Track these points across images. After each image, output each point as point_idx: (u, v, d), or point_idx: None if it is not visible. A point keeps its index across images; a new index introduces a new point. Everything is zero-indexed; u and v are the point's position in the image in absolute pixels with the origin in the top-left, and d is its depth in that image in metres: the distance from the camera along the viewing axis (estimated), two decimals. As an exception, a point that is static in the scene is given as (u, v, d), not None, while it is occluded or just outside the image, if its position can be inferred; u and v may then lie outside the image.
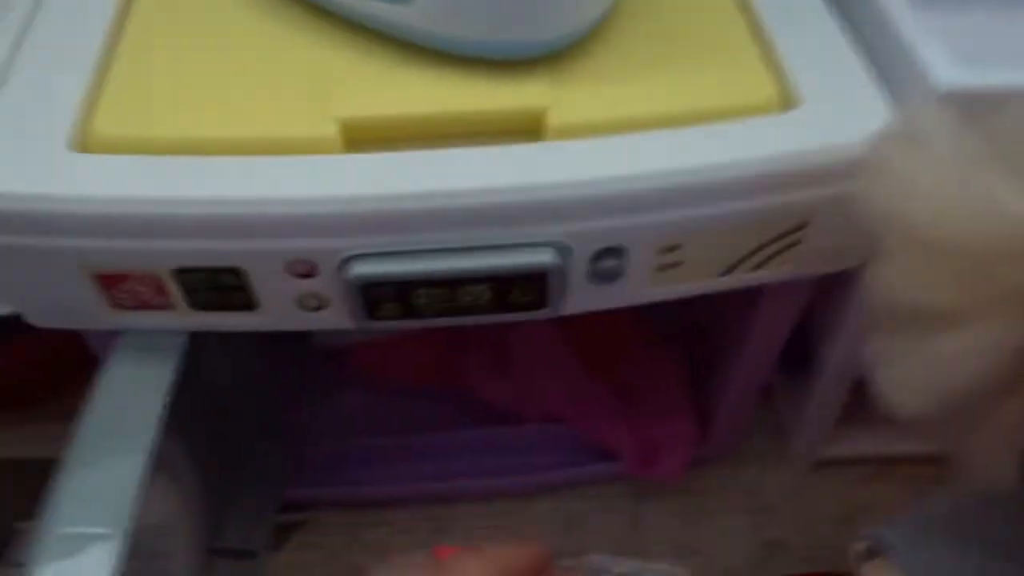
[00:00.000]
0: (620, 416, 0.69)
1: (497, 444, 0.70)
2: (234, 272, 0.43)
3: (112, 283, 0.44)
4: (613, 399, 0.70)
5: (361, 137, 0.44)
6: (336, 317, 0.46)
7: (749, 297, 0.55)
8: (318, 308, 0.46)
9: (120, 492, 0.40)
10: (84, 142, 0.43)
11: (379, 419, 0.72)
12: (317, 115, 0.44)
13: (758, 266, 0.48)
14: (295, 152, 0.43)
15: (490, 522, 0.71)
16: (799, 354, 0.64)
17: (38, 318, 0.47)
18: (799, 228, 0.46)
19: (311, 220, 0.41)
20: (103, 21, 0.49)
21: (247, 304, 0.45)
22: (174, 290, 0.44)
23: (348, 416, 0.72)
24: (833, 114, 0.45)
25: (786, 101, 0.46)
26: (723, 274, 0.48)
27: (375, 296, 0.44)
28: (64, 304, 0.46)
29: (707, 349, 0.68)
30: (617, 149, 0.43)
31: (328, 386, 0.73)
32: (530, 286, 0.44)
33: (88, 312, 0.46)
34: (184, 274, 0.43)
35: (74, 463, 0.42)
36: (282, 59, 0.47)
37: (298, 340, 0.72)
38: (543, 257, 0.43)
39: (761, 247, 0.47)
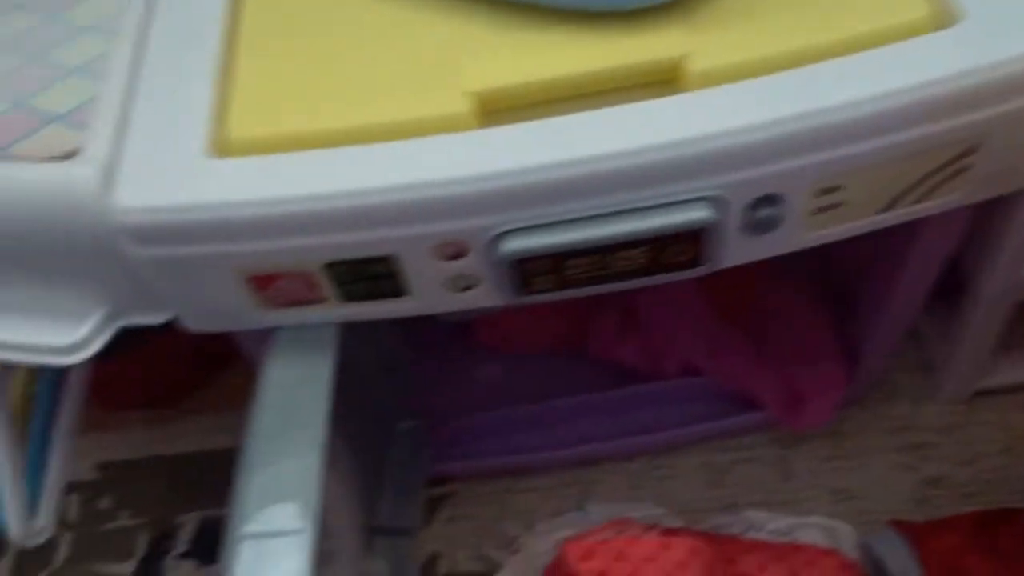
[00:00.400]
0: (762, 363, 0.67)
1: (636, 402, 0.69)
2: (384, 260, 0.43)
3: (264, 284, 0.44)
4: (753, 346, 0.68)
5: (496, 109, 0.42)
6: (487, 295, 0.45)
7: (904, 229, 0.52)
8: (468, 288, 0.45)
9: (304, 488, 0.41)
10: (221, 147, 0.43)
11: (514, 389, 0.72)
12: (448, 92, 0.42)
13: (921, 198, 0.45)
14: (430, 132, 0.42)
15: (634, 481, 0.70)
16: (948, 282, 0.61)
17: (194, 323, 0.48)
18: (968, 153, 0.43)
19: (458, 200, 0.40)
20: (216, 23, 0.48)
21: (397, 291, 0.45)
22: (325, 284, 0.44)
23: (483, 389, 0.72)
24: (999, 26, 0.41)
25: (943, 18, 0.42)
26: (883, 211, 0.45)
27: (527, 270, 0.43)
28: (219, 308, 0.46)
29: (852, 286, 0.65)
30: (765, 91, 0.41)
31: (460, 361, 0.73)
32: (686, 245, 0.43)
33: (242, 314, 0.46)
34: (335, 267, 0.43)
35: (253, 463, 0.43)
36: (403, 39, 0.46)
37: (427, 318, 0.72)
38: (698, 213, 0.41)
39: (926, 178, 0.44)
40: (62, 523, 0.76)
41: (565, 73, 0.43)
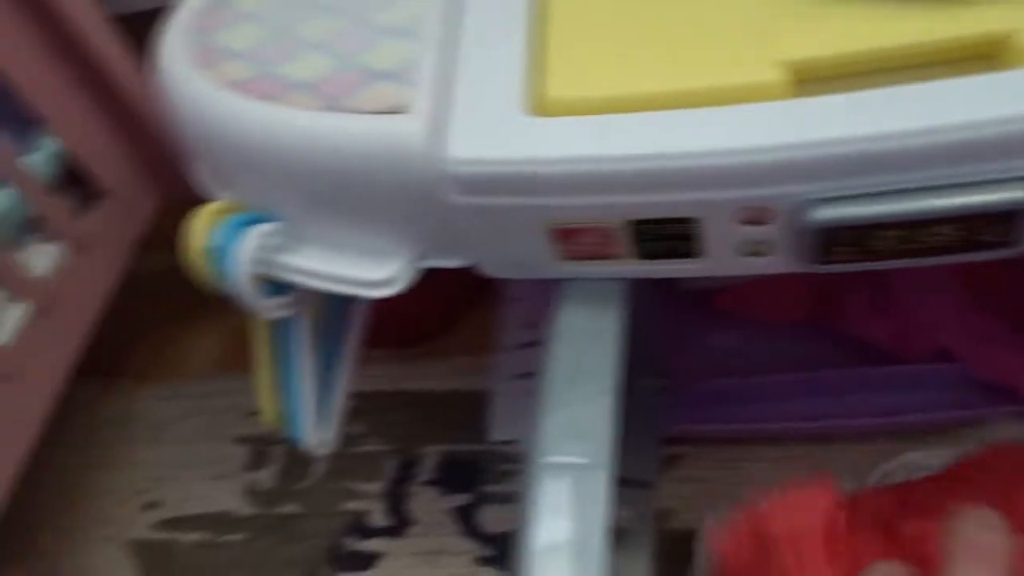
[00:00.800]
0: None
1: (880, 383, 0.68)
2: (687, 222, 0.45)
3: (567, 236, 0.47)
4: (1014, 332, 0.65)
5: (810, 79, 0.43)
6: (779, 262, 0.47)
7: None
8: (760, 254, 0.46)
9: (599, 428, 0.44)
10: (539, 106, 0.46)
11: (752, 358, 0.72)
12: (762, 60, 0.44)
13: None
14: (743, 100, 0.43)
15: (869, 459, 0.69)
16: None
17: (492, 269, 0.52)
18: None
19: (771, 168, 0.42)
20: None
21: (691, 252, 0.47)
22: (624, 241, 0.47)
23: (721, 355, 0.73)
24: None
25: None
26: None
27: (830, 240, 0.43)
28: (519, 256, 0.50)
29: None
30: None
31: (698, 326, 0.74)
32: (1000, 224, 0.42)
33: (539, 263, 0.50)
34: (638, 225, 0.46)
35: (550, 403, 0.46)
36: (716, 6, 0.47)
37: (668, 283, 0.74)
38: (1015, 193, 0.41)
39: None
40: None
41: (882, 45, 0.43)
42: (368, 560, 0.76)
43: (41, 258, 0.72)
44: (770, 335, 0.73)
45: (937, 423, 0.69)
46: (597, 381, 0.46)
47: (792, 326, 0.73)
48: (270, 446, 0.86)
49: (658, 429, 0.71)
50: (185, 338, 1.00)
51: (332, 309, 0.65)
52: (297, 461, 0.84)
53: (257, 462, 0.86)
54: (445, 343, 0.87)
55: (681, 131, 0.43)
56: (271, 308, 0.57)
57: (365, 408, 0.85)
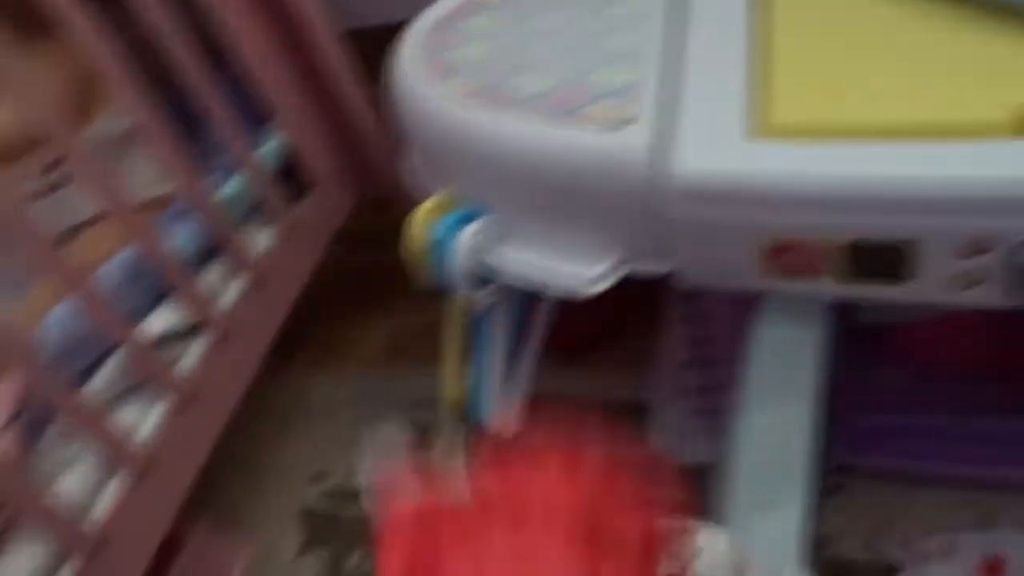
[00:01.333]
0: None
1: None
2: (906, 246, 0.47)
3: (779, 252, 0.50)
4: None
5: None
6: (986, 295, 0.48)
7: None
8: (970, 286, 0.48)
9: (797, 455, 0.46)
10: (763, 129, 0.49)
11: (923, 398, 0.73)
12: (991, 100, 0.45)
13: None
14: (970, 135, 0.45)
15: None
16: None
17: (692, 276, 0.56)
18: None
19: (996, 200, 0.44)
20: (747, 16, 0.55)
21: (901, 276, 0.49)
22: (834, 260, 0.49)
23: (892, 392, 0.74)
24: None
25: None
26: None
27: (1047, 275, 0.45)
28: (724, 267, 0.53)
29: None
30: None
31: (872, 361, 0.75)
32: None
33: (743, 275, 0.53)
34: (855, 246, 0.48)
35: (748, 415, 0.49)
36: (942, 42, 0.49)
37: (845, 316, 0.75)
38: None
39: None
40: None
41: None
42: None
43: (258, 239, 0.80)
44: (944, 377, 0.73)
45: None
46: (796, 399, 0.49)
47: (968, 371, 0.73)
48: (434, 433, 0.91)
49: (824, 456, 0.72)
50: (357, 328, 1.07)
51: (521, 304, 0.70)
52: (462, 447, 0.89)
53: (424, 444, 0.91)
54: (611, 351, 0.90)
55: (907, 158, 0.45)
56: (480, 299, 0.62)
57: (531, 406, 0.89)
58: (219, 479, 0.94)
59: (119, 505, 0.65)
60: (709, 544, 0.48)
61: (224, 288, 0.76)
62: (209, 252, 0.75)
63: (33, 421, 0.63)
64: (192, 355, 0.72)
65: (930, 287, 0.49)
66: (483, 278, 0.62)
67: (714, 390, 0.83)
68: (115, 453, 0.64)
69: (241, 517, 0.91)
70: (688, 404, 0.83)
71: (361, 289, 1.11)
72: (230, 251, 0.75)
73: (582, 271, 0.57)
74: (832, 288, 0.51)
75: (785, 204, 0.47)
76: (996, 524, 0.68)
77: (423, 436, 0.91)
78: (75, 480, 0.64)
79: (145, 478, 0.67)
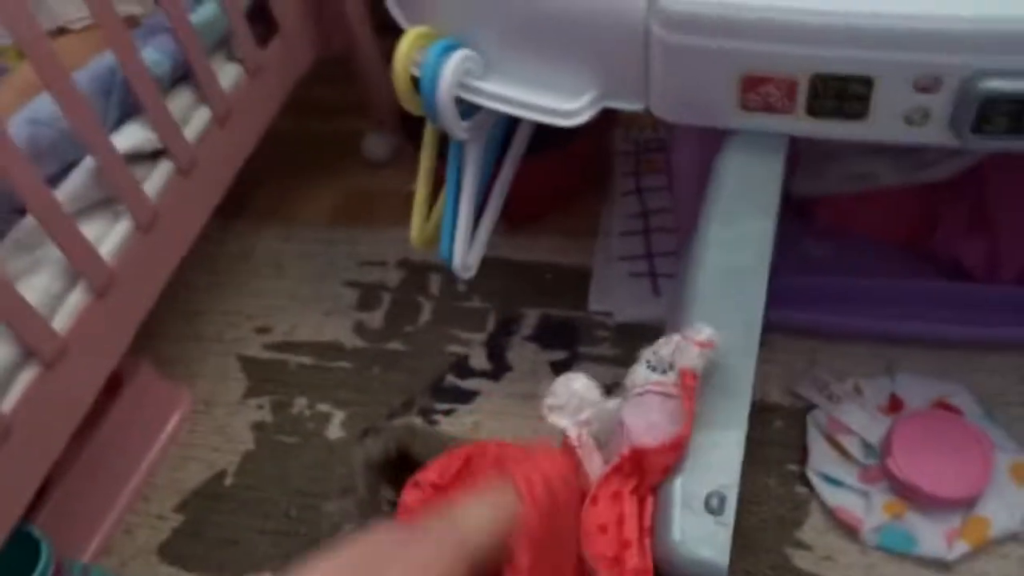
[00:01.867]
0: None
1: (958, 298, 0.76)
2: (864, 81, 0.52)
3: (753, 85, 0.55)
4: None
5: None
6: (934, 133, 0.54)
7: None
8: (919, 123, 0.54)
9: (760, 262, 0.52)
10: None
11: (843, 266, 0.80)
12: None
13: None
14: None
15: (944, 366, 0.77)
16: None
17: (664, 111, 0.60)
18: None
19: (948, 36, 0.49)
20: None
21: (858, 114, 0.54)
22: (802, 96, 0.54)
23: (816, 261, 0.81)
24: None
25: None
26: None
27: (988, 112, 0.51)
28: (697, 102, 0.58)
29: None
30: None
31: (796, 234, 0.82)
32: None
33: (716, 110, 0.57)
34: (820, 79, 0.53)
35: (713, 229, 0.54)
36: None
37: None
38: None
39: None
40: (424, 293, 0.93)
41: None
42: (467, 396, 0.83)
43: (226, 74, 0.79)
44: (864, 249, 0.81)
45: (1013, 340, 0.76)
46: (761, 216, 0.54)
47: (890, 243, 0.81)
48: (381, 292, 0.94)
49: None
50: (303, 191, 1.07)
51: (492, 150, 0.73)
52: (404, 307, 0.92)
53: (367, 304, 0.93)
54: (550, 222, 0.95)
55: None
56: (462, 129, 0.64)
57: (474, 268, 0.93)
58: (161, 324, 0.94)
59: (79, 318, 0.65)
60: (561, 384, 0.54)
61: (191, 116, 0.75)
62: (178, 79, 0.74)
63: (8, 207, 0.62)
64: (155, 180, 0.71)
65: (883, 124, 0.55)
66: (464, 110, 0.64)
67: (651, 257, 0.89)
68: (78, 264, 0.64)
69: (183, 362, 0.92)
70: (626, 268, 0.88)
71: (310, 156, 1.11)
72: (199, 78, 0.74)
73: (564, 102, 0.61)
74: (796, 126, 0.56)
75: (757, 35, 0.52)
76: (896, 372, 0.76)
77: (371, 294, 0.94)
78: (36, 287, 0.63)
79: (106, 294, 0.67)
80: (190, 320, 0.96)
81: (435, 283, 0.93)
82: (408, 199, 1.02)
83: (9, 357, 0.60)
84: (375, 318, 0.92)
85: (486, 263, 0.79)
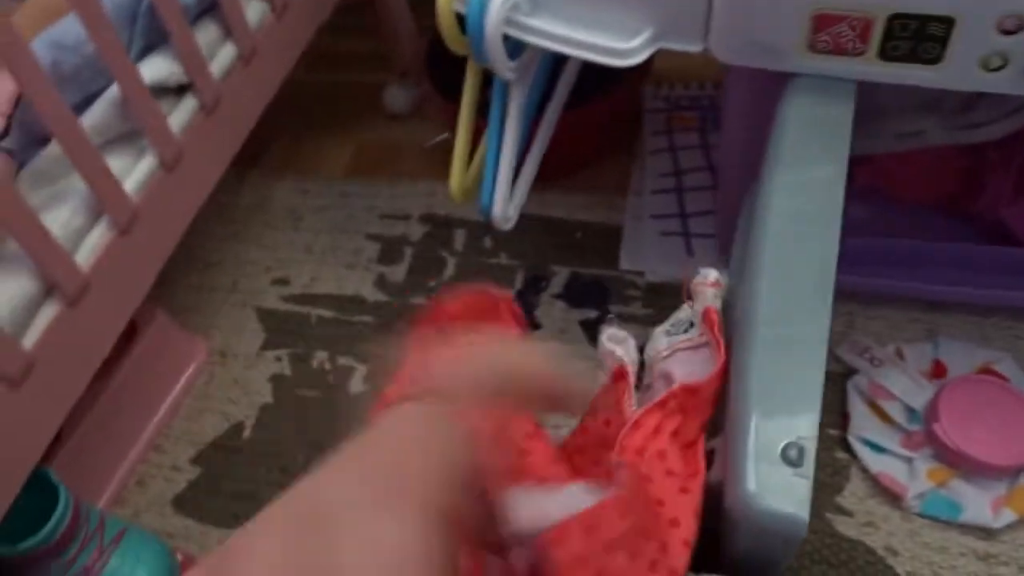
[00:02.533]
0: None
1: (1004, 262, 0.74)
2: (945, 21, 0.50)
3: (825, 24, 0.52)
4: None
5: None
6: (1010, 81, 0.51)
7: None
8: (997, 69, 0.51)
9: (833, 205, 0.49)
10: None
11: (882, 227, 0.78)
12: None
13: None
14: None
15: (985, 332, 0.75)
16: None
17: (724, 53, 0.57)
18: None
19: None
20: None
21: (934, 58, 0.52)
22: (876, 37, 0.52)
23: (852, 221, 0.78)
24: None
25: None
26: None
27: (1075, 56, 0.48)
28: (763, 42, 0.55)
29: None
30: None
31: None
32: None
33: (783, 52, 0.55)
34: (898, 18, 0.50)
35: (782, 174, 0.51)
36: None
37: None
38: None
39: None
40: (448, 248, 0.90)
41: None
42: (494, 353, 0.81)
43: (250, 11, 0.75)
44: (904, 211, 0.78)
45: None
46: (829, 166, 0.51)
47: (928, 205, 0.79)
48: (403, 246, 0.91)
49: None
50: (320, 143, 1.04)
51: (534, 96, 0.70)
52: (428, 262, 0.89)
53: (389, 258, 0.90)
54: (579, 179, 0.92)
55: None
56: (509, 69, 0.61)
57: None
58: (176, 273, 0.91)
59: (102, 254, 0.62)
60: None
61: (216, 52, 0.72)
62: (203, 11, 0.70)
63: (22, 144, 0.59)
64: (179, 116, 0.68)
65: (958, 70, 0.52)
66: (509, 50, 0.62)
67: (684, 216, 0.87)
68: (102, 198, 0.61)
69: (198, 313, 0.89)
70: (658, 227, 0.86)
71: (327, 108, 1.08)
72: (225, 11, 0.70)
73: (619, 41, 0.58)
74: (866, 70, 0.54)
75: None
76: (939, 337, 0.75)
77: (393, 248, 0.91)
78: (58, 221, 0.60)
79: (129, 232, 0.64)
80: (205, 270, 0.93)
81: (459, 238, 0.91)
82: (430, 152, 1.00)
83: (31, 291, 0.57)
84: (398, 272, 0.89)
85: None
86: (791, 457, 0.42)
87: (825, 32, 0.53)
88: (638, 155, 0.93)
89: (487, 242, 0.90)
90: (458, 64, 0.67)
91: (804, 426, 0.43)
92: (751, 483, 0.41)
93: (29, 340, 0.57)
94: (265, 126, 0.82)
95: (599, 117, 0.89)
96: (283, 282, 0.90)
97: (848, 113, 0.54)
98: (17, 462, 0.57)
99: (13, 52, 0.51)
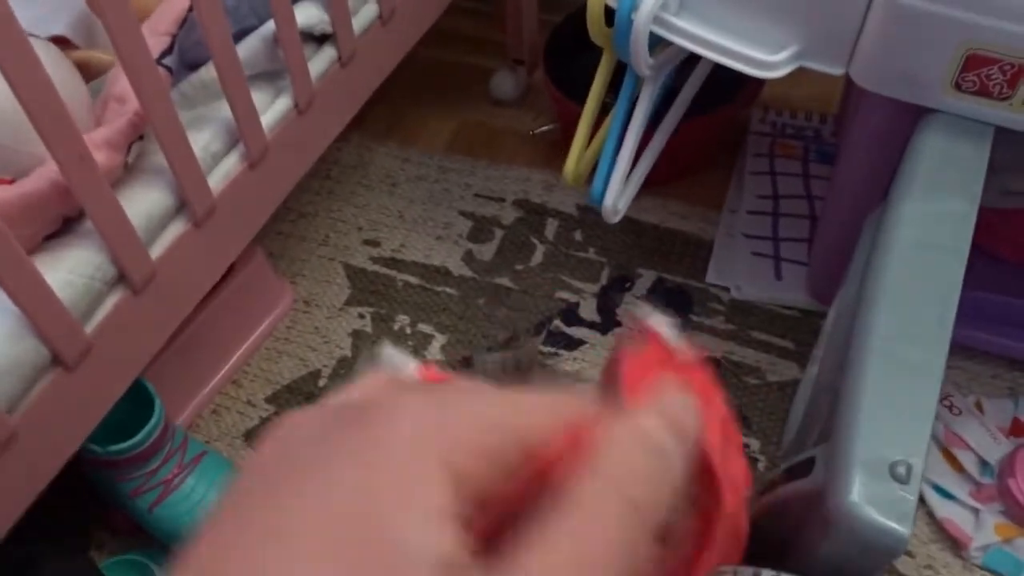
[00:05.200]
0: None
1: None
2: (1101, 77, 0.50)
3: (976, 64, 0.53)
4: None
5: None
6: None
7: None
8: None
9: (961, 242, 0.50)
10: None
11: (973, 277, 0.77)
12: None
13: None
14: None
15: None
16: None
17: (866, 79, 0.58)
18: None
19: None
20: None
21: (1081, 112, 0.52)
22: (1026, 83, 0.52)
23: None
24: None
25: None
26: None
27: None
28: (909, 73, 0.56)
29: None
30: None
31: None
32: None
33: (927, 86, 0.55)
34: (1053, 69, 0.51)
35: (912, 202, 0.52)
36: None
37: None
38: None
39: None
40: (539, 235, 0.91)
41: None
42: (572, 343, 0.82)
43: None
44: (999, 268, 0.78)
45: None
46: (961, 202, 0.52)
47: (1017, 263, 0.79)
48: (494, 227, 0.93)
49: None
50: (425, 116, 1.06)
51: (660, 95, 0.71)
52: (517, 245, 0.91)
53: (479, 236, 0.92)
54: (675, 188, 0.93)
55: None
56: (648, 66, 0.63)
57: (587, 220, 0.91)
58: (273, 222, 0.93)
59: (233, 181, 0.64)
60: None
61: (359, 8, 0.74)
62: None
63: (177, 66, 0.62)
64: (318, 64, 0.71)
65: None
66: (650, 49, 0.63)
67: (777, 240, 0.87)
68: (243, 127, 0.63)
69: (288, 260, 0.91)
70: (750, 247, 0.87)
71: (436, 84, 1.10)
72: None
73: (763, 53, 0.59)
74: (1010, 115, 0.54)
75: (995, 10, 0.50)
76: (1020, 395, 0.74)
77: (485, 227, 0.93)
78: (197, 142, 0.62)
79: (258, 165, 0.66)
80: (298, 220, 0.95)
81: (551, 228, 0.92)
82: (532, 140, 1.01)
83: (164, 206, 0.59)
84: (486, 251, 0.91)
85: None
86: (899, 474, 0.42)
87: (974, 72, 0.53)
88: (737, 174, 0.94)
89: (577, 235, 0.91)
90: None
91: (913, 446, 0.44)
92: (857, 493, 0.42)
93: (156, 251, 0.59)
94: (375, 91, 0.84)
95: (706, 131, 0.90)
96: (373, 243, 0.93)
97: (984, 154, 0.55)
98: (131, 363, 0.59)
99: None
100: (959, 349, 0.78)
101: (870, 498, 0.42)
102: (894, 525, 0.41)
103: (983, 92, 0.54)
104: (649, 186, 0.93)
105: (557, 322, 0.84)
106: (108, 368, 0.57)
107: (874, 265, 0.54)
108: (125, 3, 0.49)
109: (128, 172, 0.60)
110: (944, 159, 0.55)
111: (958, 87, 0.55)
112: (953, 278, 0.50)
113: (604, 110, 0.72)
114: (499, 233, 0.92)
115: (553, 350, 0.82)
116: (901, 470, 0.42)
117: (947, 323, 0.48)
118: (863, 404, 0.46)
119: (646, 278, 0.87)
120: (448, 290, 0.88)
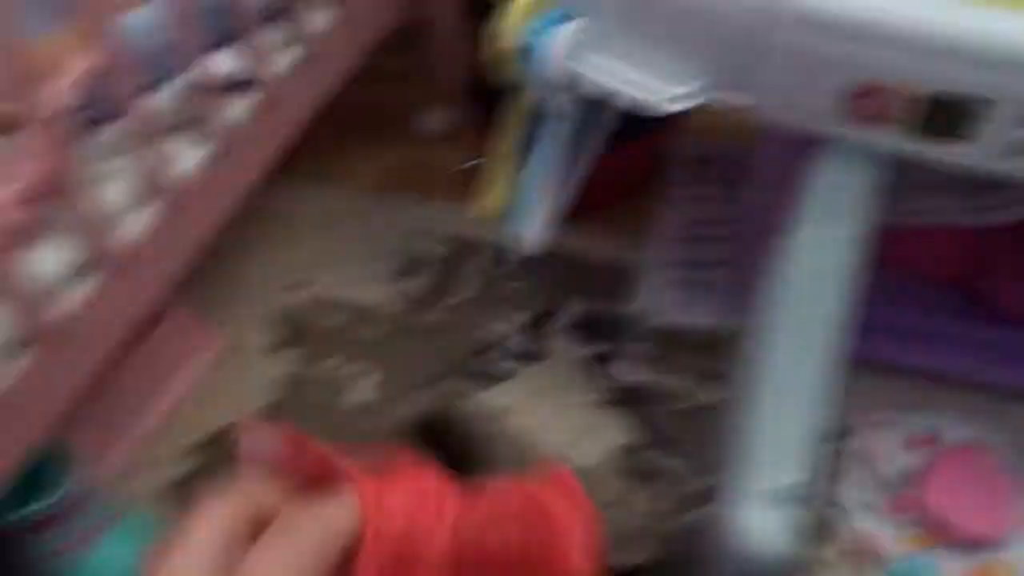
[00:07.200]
0: None
1: (1007, 344, 0.77)
2: (981, 104, 0.53)
3: (866, 95, 0.56)
4: None
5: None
6: (1034, 166, 0.55)
7: None
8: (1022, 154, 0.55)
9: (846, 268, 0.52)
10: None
11: (891, 296, 0.81)
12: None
13: None
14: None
15: (972, 406, 0.77)
16: None
17: (770, 113, 0.60)
18: None
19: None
20: None
21: (965, 135, 0.55)
22: (914, 111, 0.55)
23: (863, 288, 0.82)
24: None
25: None
26: None
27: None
28: (805, 105, 0.58)
29: None
30: None
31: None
32: None
33: (822, 116, 0.58)
34: (936, 98, 0.54)
35: (802, 231, 0.54)
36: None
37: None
38: None
39: None
40: (469, 270, 0.92)
41: None
42: (502, 376, 0.83)
43: (315, 18, 0.79)
44: (909, 279, 0.82)
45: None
46: (847, 228, 0.54)
47: (932, 276, 0.82)
48: (425, 263, 0.93)
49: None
50: (353, 155, 1.07)
51: (585, 125, 0.72)
52: (448, 280, 0.91)
53: (410, 272, 0.93)
54: (602, 218, 0.95)
55: (1001, 17, 0.51)
56: (567, 101, 0.64)
57: (521, 255, 0.92)
58: (199, 269, 0.92)
59: (151, 231, 0.64)
60: None
61: (280, 52, 0.75)
62: (270, 15, 0.74)
63: (92, 116, 0.61)
64: (238, 110, 0.71)
65: (988, 151, 0.55)
66: (565, 84, 0.65)
67: (701, 265, 0.90)
68: (156, 179, 0.63)
69: (216, 309, 0.90)
70: (676, 274, 0.89)
71: (361, 123, 1.10)
72: (292, 16, 0.74)
73: (671, 87, 0.61)
74: (898, 141, 0.57)
75: (883, 44, 0.53)
76: (933, 408, 0.77)
77: (415, 265, 0.93)
78: (112, 195, 0.62)
79: (177, 214, 0.66)
80: (227, 264, 0.95)
81: (480, 262, 0.93)
82: (460, 175, 1.02)
83: (79, 258, 0.59)
84: (417, 287, 0.91)
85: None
86: (782, 500, 0.44)
87: (865, 101, 0.56)
88: (662, 201, 0.96)
89: (507, 268, 0.92)
90: (500, 94, 0.70)
91: (796, 473, 0.45)
92: (743, 520, 0.43)
93: (67, 305, 0.58)
94: (302, 132, 0.85)
95: (627, 161, 0.93)
96: (303, 284, 0.92)
97: (873, 180, 0.57)
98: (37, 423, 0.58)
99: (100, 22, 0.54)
100: (873, 364, 0.81)
101: (755, 524, 0.43)
102: (778, 549, 0.42)
103: (877, 121, 0.57)
104: (575, 216, 0.95)
105: (488, 355, 0.85)
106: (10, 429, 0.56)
107: (767, 292, 0.56)
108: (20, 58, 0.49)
109: (42, 226, 0.59)
110: (835, 186, 0.58)
111: (852, 117, 0.57)
112: (839, 302, 0.51)
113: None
114: (430, 269, 0.93)
115: (482, 384, 0.83)
116: (784, 496, 0.44)
117: (831, 350, 0.49)
118: (749, 431, 0.47)
119: (575, 307, 0.88)
120: (379, 328, 0.88)
